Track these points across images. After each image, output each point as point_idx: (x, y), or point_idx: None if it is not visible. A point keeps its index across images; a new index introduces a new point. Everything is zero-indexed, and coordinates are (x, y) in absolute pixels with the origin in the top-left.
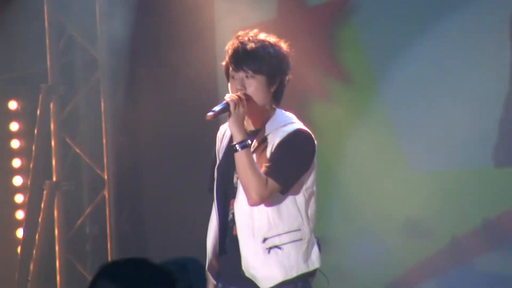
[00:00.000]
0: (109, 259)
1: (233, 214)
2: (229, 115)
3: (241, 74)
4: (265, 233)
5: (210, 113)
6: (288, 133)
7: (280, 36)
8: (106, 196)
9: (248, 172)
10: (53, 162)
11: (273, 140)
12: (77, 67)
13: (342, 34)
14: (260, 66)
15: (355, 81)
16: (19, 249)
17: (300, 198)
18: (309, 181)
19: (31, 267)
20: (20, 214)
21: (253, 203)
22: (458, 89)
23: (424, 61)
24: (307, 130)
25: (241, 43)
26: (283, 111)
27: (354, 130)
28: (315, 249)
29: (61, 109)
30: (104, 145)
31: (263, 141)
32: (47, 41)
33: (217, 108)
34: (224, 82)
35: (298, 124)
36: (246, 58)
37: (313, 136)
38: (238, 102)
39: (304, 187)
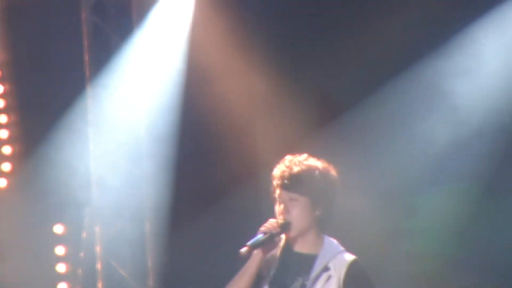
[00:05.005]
0: None
1: None
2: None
3: (285, 197)
4: None
5: (243, 249)
6: (354, 267)
7: None
8: None
9: None
10: (99, 285)
11: (339, 271)
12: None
13: None
14: (304, 187)
15: None
16: None
17: None
18: None
19: None
20: None
21: None
22: None
23: None
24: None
25: (288, 167)
26: (328, 237)
27: None
28: None
29: (106, 232)
30: (149, 267)
31: (325, 270)
32: (92, 165)
33: (255, 240)
34: None
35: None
36: (291, 180)
37: None
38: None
39: None
